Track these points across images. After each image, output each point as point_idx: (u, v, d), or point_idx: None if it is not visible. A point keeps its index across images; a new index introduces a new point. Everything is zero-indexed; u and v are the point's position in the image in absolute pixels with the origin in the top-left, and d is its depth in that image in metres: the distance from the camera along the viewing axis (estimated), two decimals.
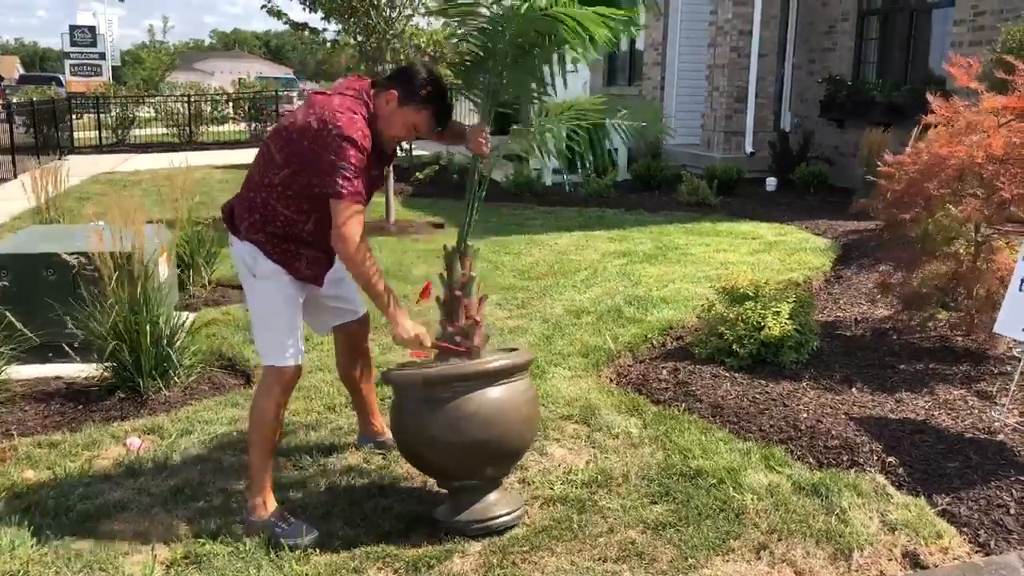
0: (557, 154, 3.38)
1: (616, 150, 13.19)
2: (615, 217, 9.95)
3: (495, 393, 3.07)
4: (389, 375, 3.21)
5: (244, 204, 3.25)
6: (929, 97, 4.68)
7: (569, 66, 3.35)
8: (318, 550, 3.05)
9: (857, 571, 2.94)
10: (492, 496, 3.16)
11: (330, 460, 3.77)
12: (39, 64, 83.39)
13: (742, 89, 12.88)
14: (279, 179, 3.13)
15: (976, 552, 3.04)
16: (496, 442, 3.06)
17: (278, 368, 3.22)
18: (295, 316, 3.27)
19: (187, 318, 5.09)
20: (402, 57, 9.23)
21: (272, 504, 3.25)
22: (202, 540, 3.12)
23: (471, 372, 3.09)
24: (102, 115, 21.43)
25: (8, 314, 4.64)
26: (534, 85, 3.38)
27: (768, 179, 11.72)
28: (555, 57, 3.29)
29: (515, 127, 3.44)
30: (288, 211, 3.17)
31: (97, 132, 21.05)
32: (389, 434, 3.77)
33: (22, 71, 60.59)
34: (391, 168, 9.77)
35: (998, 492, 3.33)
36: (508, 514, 3.14)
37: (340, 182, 3.00)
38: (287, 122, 3.17)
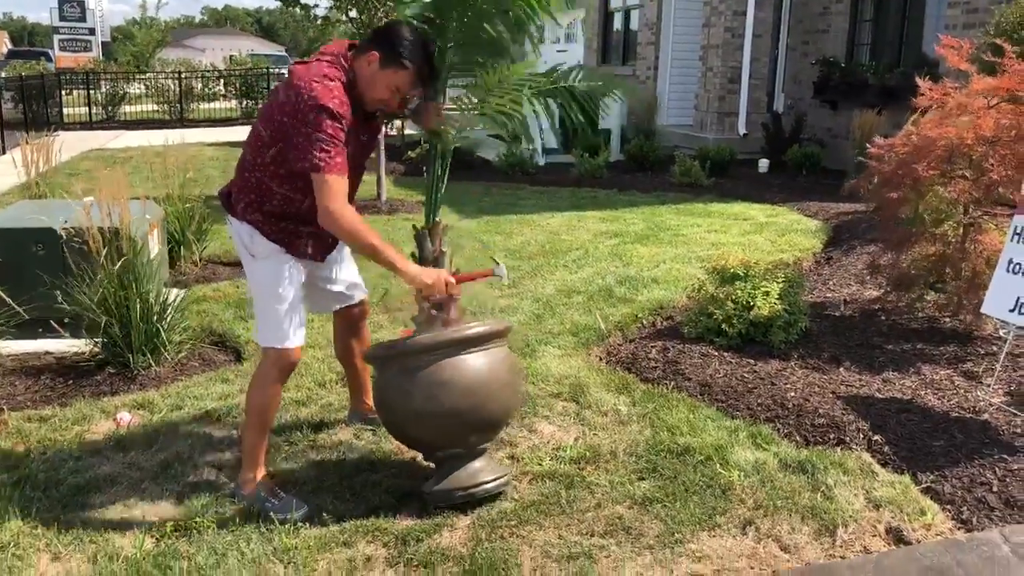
0: (515, 125, 3.30)
1: (608, 130, 13.18)
2: (607, 197, 9.95)
3: (473, 360, 3.08)
4: (367, 353, 3.22)
5: (240, 185, 3.21)
6: (918, 80, 4.69)
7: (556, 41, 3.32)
8: (308, 524, 3.07)
9: (841, 547, 2.97)
10: (476, 464, 3.17)
11: (320, 436, 3.78)
12: (27, 39, 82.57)
13: (736, 70, 12.85)
14: (270, 157, 3.09)
15: (959, 529, 3.08)
16: (477, 409, 3.07)
17: (278, 351, 3.20)
18: (296, 297, 3.23)
19: (177, 294, 5.09)
20: None
21: (264, 479, 3.26)
22: (192, 514, 3.14)
23: (446, 340, 3.09)
24: (92, 91, 21.28)
25: None
26: (485, 49, 3.30)
27: (761, 160, 11.73)
28: (507, 17, 3.20)
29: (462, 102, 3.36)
30: (283, 189, 3.13)
31: (87, 108, 20.92)
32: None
33: (10, 46, 60.02)
34: (382, 147, 9.76)
35: (981, 470, 3.37)
36: (492, 481, 3.16)
37: (317, 154, 2.94)
38: (271, 98, 3.13)
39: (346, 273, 3.55)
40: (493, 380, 3.11)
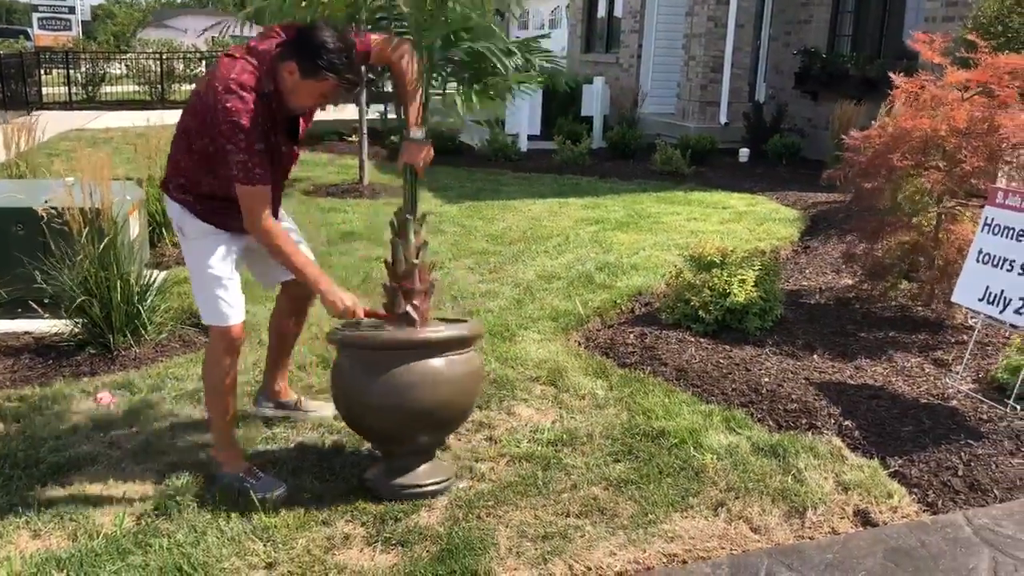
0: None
1: (591, 117, 13.22)
2: (589, 184, 10.00)
3: (436, 363, 3.07)
4: (335, 335, 3.20)
5: (172, 166, 3.20)
6: (892, 75, 4.75)
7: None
8: (287, 503, 3.11)
9: (810, 528, 3.04)
10: (421, 463, 3.19)
11: (300, 416, 3.81)
12: (5, 17, 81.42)
13: (718, 59, 12.91)
14: (198, 148, 3.07)
15: (924, 511, 3.16)
16: (432, 411, 3.08)
17: (220, 328, 3.19)
18: (230, 273, 3.21)
19: (158, 276, 5.09)
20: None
21: (240, 459, 3.29)
22: (172, 493, 3.17)
23: (417, 341, 3.09)
24: (72, 71, 21.06)
25: None
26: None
27: (741, 150, 11.81)
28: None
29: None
30: (210, 177, 3.11)
31: (66, 88, 20.71)
32: (292, 396, 3.82)
33: None
34: (364, 131, 9.75)
35: (948, 455, 3.45)
36: (431, 484, 3.17)
37: (235, 169, 2.93)
38: (198, 89, 3.09)
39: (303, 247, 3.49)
40: (453, 385, 3.10)
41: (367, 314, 3.18)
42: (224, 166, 2.99)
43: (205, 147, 3.05)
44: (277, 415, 3.80)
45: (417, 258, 3.23)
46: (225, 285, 3.18)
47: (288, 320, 3.68)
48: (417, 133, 3.20)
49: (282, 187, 3.30)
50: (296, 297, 3.60)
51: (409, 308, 3.19)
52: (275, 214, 3.23)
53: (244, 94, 2.93)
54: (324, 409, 3.80)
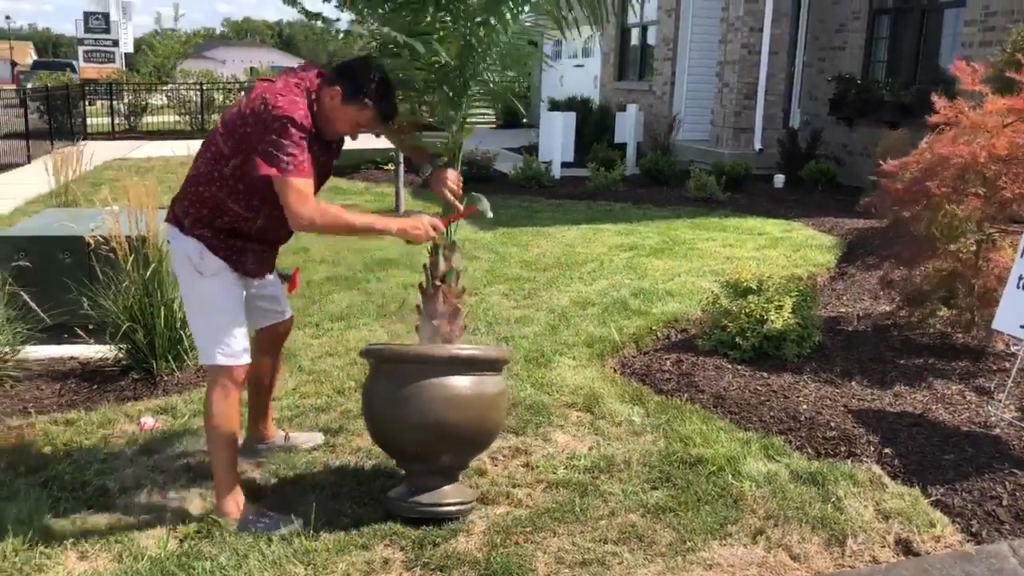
0: None
1: (624, 144, 13.27)
2: (623, 211, 10.02)
3: (464, 381, 3.10)
4: (367, 349, 3.26)
5: (191, 198, 3.16)
6: (934, 97, 4.74)
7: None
8: (327, 527, 3.14)
9: (851, 557, 3.02)
10: (443, 484, 3.20)
11: (339, 441, 3.86)
12: (51, 50, 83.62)
13: (752, 86, 12.92)
14: (229, 170, 3.06)
15: (968, 541, 3.11)
16: (456, 429, 3.10)
17: (229, 368, 3.16)
18: (241, 313, 3.23)
19: None
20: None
21: (243, 503, 3.23)
22: (214, 516, 3.22)
23: (443, 356, 3.12)
24: (115, 102, 21.55)
25: (24, 295, 4.74)
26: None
27: (776, 176, 11.77)
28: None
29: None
30: (238, 206, 3.11)
31: (109, 119, 21.18)
32: (278, 435, 3.79)
33: (35, 57, 60.79)
34: (400, 159, 9.86)
35: (992, 484, 3.41)
36: (452, 505, 3.18)
37: (283, 158, 2.94)
38: (232, 111, 3.11)
39: (272, 289, 3.51)
40: (477, 405, 3.13)
41: (445, 222, 3.28)
42: (265, 166, 2.96)
43: (240, 167, 3.03)
44: (270, 455, 3.74)
45: (444, 281, 3.28)
46: (239, 323, 3.19)
47: (266, 364, 3.63)
48: (437, 161, 3.40)
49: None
50: (275, 335, 3.60)
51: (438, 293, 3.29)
52: (271, 269, 3.38)
53: (296, 99, 3.01)
54: (315, 438, 3.86)
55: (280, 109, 2.96)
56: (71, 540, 3.06)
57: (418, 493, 3.18)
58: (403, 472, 3.33)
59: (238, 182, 3.07)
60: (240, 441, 3.46)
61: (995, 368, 4.63)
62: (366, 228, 3.13)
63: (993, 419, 3.97)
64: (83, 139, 18.15)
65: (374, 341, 3.38)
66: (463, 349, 3.19)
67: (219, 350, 3.16)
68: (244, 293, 3.28)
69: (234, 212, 3.13)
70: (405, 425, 3.11)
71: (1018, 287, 3.92)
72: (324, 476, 3.56)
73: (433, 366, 3.10)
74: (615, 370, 4.84)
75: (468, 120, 3.43)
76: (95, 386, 4.55)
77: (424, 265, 3.38)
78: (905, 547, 3.07)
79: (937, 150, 4.44)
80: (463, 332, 3.34)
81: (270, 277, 3.45)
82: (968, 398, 4.25)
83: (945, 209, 4.59)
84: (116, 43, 29.71)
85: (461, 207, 3.38)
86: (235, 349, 3.17)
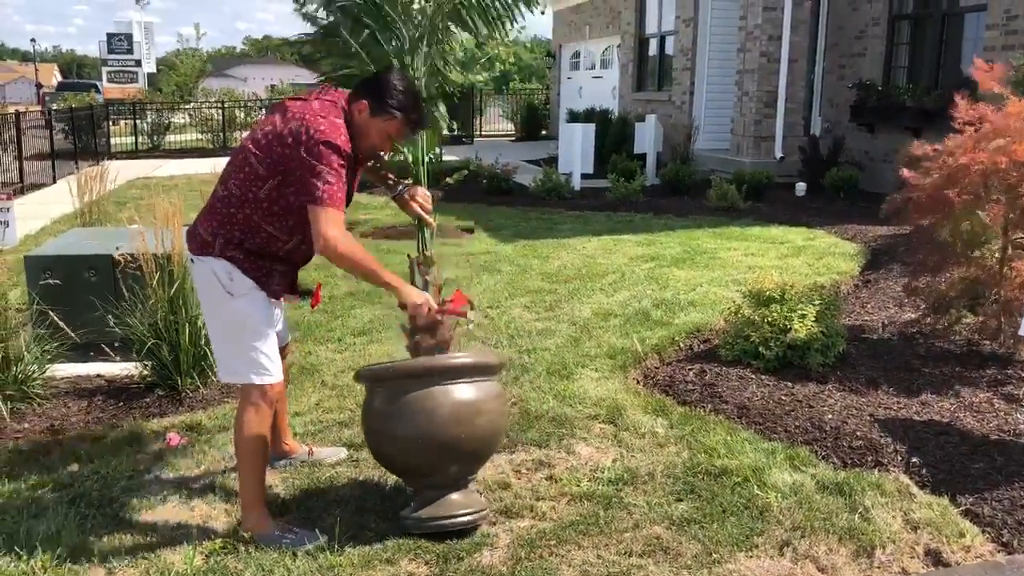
0: None
1: (644, 155, 13.26)
2: (643, 221, 10.00)
3: (459, 390, 3.11)
4: (360, 372, 3.26)
5: (219, 220, 3.14)
6: (957, 97, 4.71)
7: None
8: (351, 542, 3.14)
9: (879, 568, 2.98)
10: (454, 496, 3.19)
11: (362, 456, 3.86)
12: (75, 71, 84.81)
13: (772, 94, 12.89)
14: (264, 192, 3.06)
15: (999, 551, 3.07)
16: (459, 440, 3.09)
17: (261, 387, 3.17)
18: (272, 331, 3.23)
19: None
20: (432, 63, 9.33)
21: (270, 519, 3.23)
22: (241, 531, 3.23)
23: (434, 367, 3.12)
24: (138, 121, 21.81)
25: (52, 313, 4.80)
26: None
27: (798, 184, 11.71)
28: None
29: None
30: (271, 228, 3.12)
31: (133, 138, 21.44)
32: (301, 450, 3.81)
33: (59, 78, 61.66)
34: (425, 172, 9.87)
35: (1022, 493, 3.36)
36: (466, 515, 3.16)
37: (321, 187, 2.95)
38: (266, 130, 3.08)
39: (280, 312, 3.48)
40: (478, 413, 3.12)
41: (441, 310, 3.24)
42: (303, 192, 2.99)
43: (280, 185, 3.04)
44: (293, 471, 3.75)
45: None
46: (269, 341, 3.20)
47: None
48: (403, 184, 3.46)
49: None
50: (286, 355, 3.60)
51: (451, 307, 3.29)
52: (293, 289, 3.37)
53: (336, 121, 3.04)
54: (339, 453, 3.87)
55: (322, 133, 2.97)
56: (98, 557, 3.08)
57: (428, 508, 3.18)
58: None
59: (273, 204, 3.08)
60: None
61: (1023, 376, 4.57)
62: (376, 274, 3.11)
63: (1022, 427, 3.92)
64: (107, 159, 18.38)
65: (372, 363, 3.39)
66: (457, 357, 3.18)
67: (252, 369, 3.17)
68: (273, 312, 3.29)
69: (267, 234, 3.13)
70: (397, 442, 3.13)
71: None
72: (348, 490, 3.57)
73: (432, 378, 3.10)
74: (638, 381, 4.83)
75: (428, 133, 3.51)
76: (121, 403, 4.59)
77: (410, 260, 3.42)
78: (935, 558, 3.03)
79: (959, 159, 4.40)
80: (449, 344, 3.32)
81: (281, 301, 3.44)
82: (996, 406, 4.20)
83: (966, 216, 4.55)
84: (139, 63, 30.15)
85: (433, 223, 3.42)
86: (268, 367, 3.19)
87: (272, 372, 3.20)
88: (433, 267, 3.38)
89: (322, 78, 3.88)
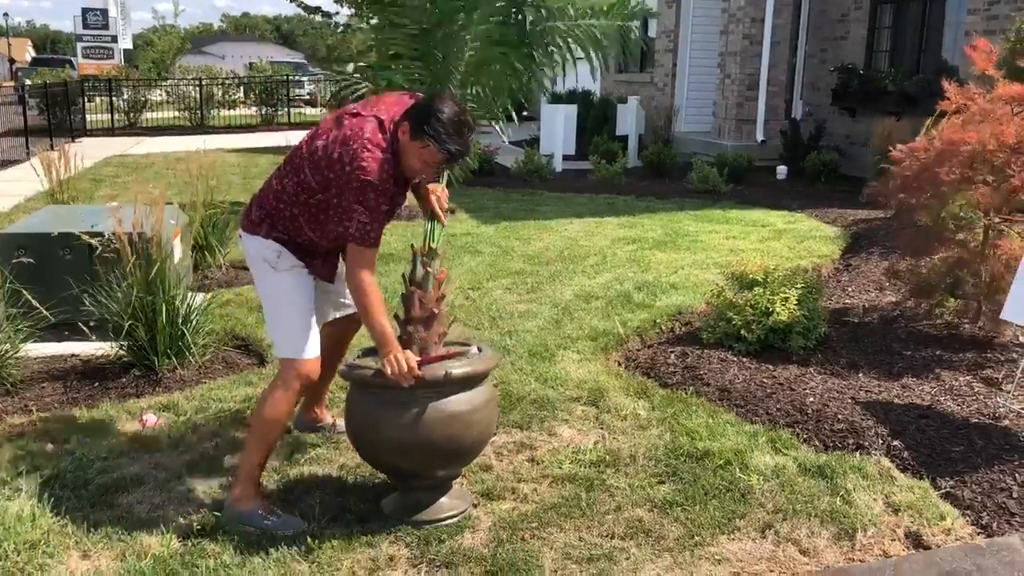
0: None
1: (626, 137, 13.23)
2: (625, 204, 9.98)
3: (453, 400, 3.04)
4: (349, 372, 3.17)
5: (269, 209, 3.21)
6: (944, 83, 4.70)
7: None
8: (332, 524, 3.11)
9: (860, 550, 2.99)
10: (439, 496, 3.17)
11: (343, 438, 3.81)
12: (50, 46, 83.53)
13: (754, 77, 12.87)
14: (315, 202, 3.13)
15: (978, 534, 3.09)
16: (448, 445, 3.05)
17: (295, 361, 3.18)
18: (311, 308, 3.26)
19: (201, 299, 5.15)
20: None
21: (260, 496, 3.21)
22: (217, 513, 3.19)
23: (430, 380, 3.01)
24: (114, 98, 21.50)
25: (25, 293, 4.71)
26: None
27: (779, 167, 11.72)
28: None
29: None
30: (314, 234, 3.20)
31: (109, 115, 21.13)
32: (328, 419, 3.86)
33: (33, 54, 60.72)
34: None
35: (1001, 476, 3.38)
36: (450, 516, 3.14)
37: (355, 226, 3.00)
38: (320, 143, 3.10)
39: (343, 285, 3.48)
40: (470, 423, 3.08)
41: (421, 362, 3.04)
42: (340, 223, 3.08)
43: (328, 200, 3.09)
44: (314, 436, 3.83)
45: (420, 287, 3.22)
46: (308, 317, 3.22)
47: (331, 354, 3.59)
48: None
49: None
50: (341, 329, 3.63)
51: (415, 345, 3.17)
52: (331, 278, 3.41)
53: (379, 154, 3.00)
54: None
55: (363, 170, 2.97)
56: (73, 539, 3.04)
57: (413, 506, 3.16)
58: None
59: (320, 212, 3.15)
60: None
61: (1003, 359, 4.60)
62: (379, 324, 3.04)
63: (1002, 410, 3.94)
64: (79, 136, 18.12)
65: (358, 358, 3.30)
66: (453, 368, 3.04)
67: (289, 341, 3.20)
68: (315, 292, 3.30)
69: (308, 237, 3.21)
70: (383, 445, 3.08)
71: None
72: (328, 472, 3.54)
73: (425, 389, 3.02)
74: (620, 364, 4.81)
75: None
76: (96, 383, 4.52)
77: (403, 274, 3.30)
78: (915, 540, 3.04)
79: (947, 135, 4.40)
80: (443, 337, 3.25)
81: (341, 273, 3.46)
82: (976, 389, 4.22)
83: (953, 197, 4.55)
84: (115, 39, 29.66)
85: (445, 221, 3.32)
86: (301, 344, 3.18)
87: (306, 350, 3.19)
88: (437, 260, 3.30)
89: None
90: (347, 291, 3.46)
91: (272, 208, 3.21)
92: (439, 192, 3.32)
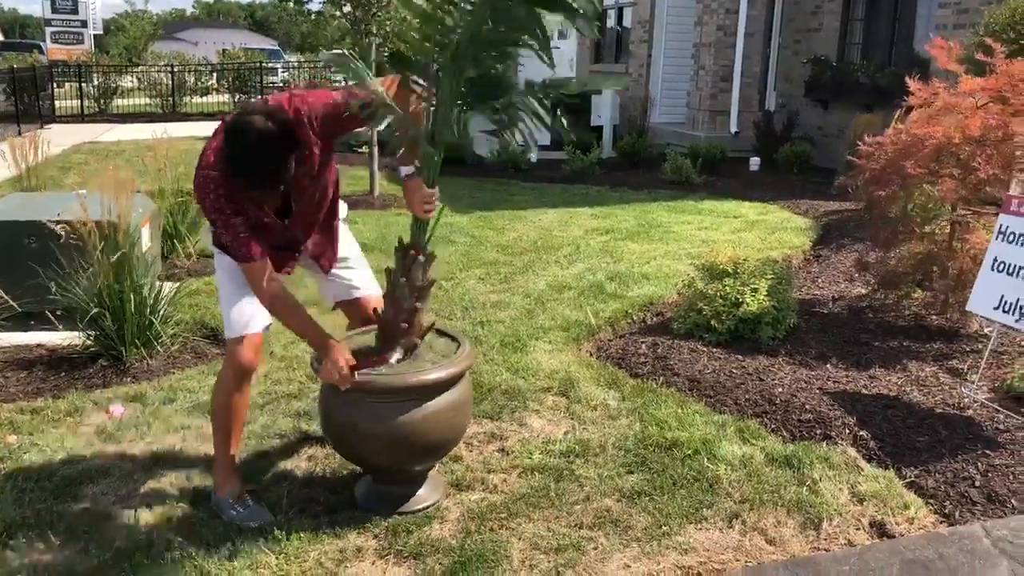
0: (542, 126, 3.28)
1: (601, 127, 13.23)
2: (599, 194, 9.99)
3: (430, 405, 3.00)
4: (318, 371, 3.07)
5: None
6: (908, 80, 4.74)
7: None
8: (299, 515, 3.10)
9: (826, 539, 3.02)
10: (414, 488, 3.18)
11: (313, 428, 3.81)
12: (18, 31, 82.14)
13: (728, 68, 12.91)
14: None
15: (941, 523, 3.12)
16: (423, 441, 3.03)
17: (230, 341, 3.13)
18: (244, 286, 3.10)
19: (171, 288, 5.10)
20: (388, 30, 9.19)
21: (235, 483, 3.18)
22: (183, 504, 3.17)
23: (406, 386, 2.97)
24: (84, 84, 21.21)
25: None
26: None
27: (752, 158, 11.78)
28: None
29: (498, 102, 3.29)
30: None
31: (79, 101, 20.84)
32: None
33: (1, 38, 59.64)
34: (375, 142, 9.75)
35: (964, 465, 3.42)
36: (423, 507, 3.15)
37: (229, 245, 2.97)
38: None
39: (354, 275, 3.49)
40: (448, 421, 3.07)
41: (357, 371, 2.94)
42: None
43: None
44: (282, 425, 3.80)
45: (407, 280, 3.12)
46: (240, 296, 3.12)
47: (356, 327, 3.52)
48: (406, 170, 3.10)
49: (312, 231, 3.29)
50: (355, 308, 3.52)
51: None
52: (330, 260, 3.37)
53: (209, 172, 2.88)
54: None
55: (197, 195, 2.99)
56: (37, 532, 3.00)
57: (385, 496, 3.16)
58: None
59: None
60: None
61: (968, 349, 4.65)
62: (304, 336, 3.05)
63: (966, 400, 3.99)
64: (48, 122, 17.86)
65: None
66: (429, 374, 3.00)
67: (233, 319, 3.13)
68: (319, 277, 3.37)
69: None
70: (360, 443, 3.05)
71: (992, 269, 3.93)
72: (296, 463, 3.52)
73: (400, 394, 2.99)
74: (591, 354, 4.82)
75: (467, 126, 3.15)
76: (62, 373, 4.47)
77: (386, 268, 3.20)
78: (880, 529, 3.07)
79: (913, 129, 4.44)
80: (422, 332, 3.18)
81: (339, 264, 3.45)
82: (942, 380, 4.27)
83: (921, 189, 4.59)
84: (84, 24, 29.24)
85: (431, 217, 3.16)
86: (243, 319, 3.11)
87: (248, 325, 3.10)
88: (421, 257, 3.19)
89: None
90: (351, 277, 3.49)
91: None
92: (426, 194, 3.09)
